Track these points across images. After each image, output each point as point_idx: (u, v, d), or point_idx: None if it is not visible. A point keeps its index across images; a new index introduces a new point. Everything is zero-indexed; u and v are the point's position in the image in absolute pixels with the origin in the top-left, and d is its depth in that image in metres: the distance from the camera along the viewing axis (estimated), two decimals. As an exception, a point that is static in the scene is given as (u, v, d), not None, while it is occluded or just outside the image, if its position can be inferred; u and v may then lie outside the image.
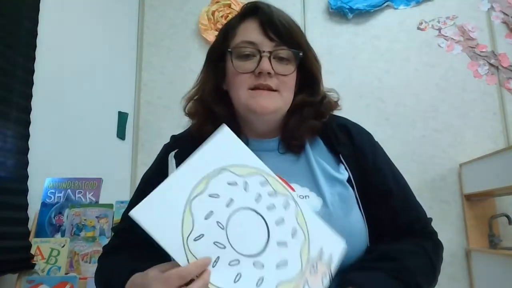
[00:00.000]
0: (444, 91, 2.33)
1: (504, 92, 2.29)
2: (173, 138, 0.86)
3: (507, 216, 2.00)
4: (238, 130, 0.80)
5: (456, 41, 2.37)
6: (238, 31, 0.78)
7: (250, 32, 0.76)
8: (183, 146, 0.79)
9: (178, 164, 0.76)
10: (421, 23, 2.42)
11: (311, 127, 0.79)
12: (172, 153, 0.78)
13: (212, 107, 0.78)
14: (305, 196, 0.71)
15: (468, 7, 2.40)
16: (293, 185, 0.73)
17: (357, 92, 2.35)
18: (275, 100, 0.74)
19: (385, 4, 2.44)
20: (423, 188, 2.20)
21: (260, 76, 0.73)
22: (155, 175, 0.78)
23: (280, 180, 0.66)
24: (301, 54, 0.76)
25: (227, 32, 0.79)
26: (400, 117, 2.33)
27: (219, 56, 0.80)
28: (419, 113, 2.32)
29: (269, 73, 0.73)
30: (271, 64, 0.73)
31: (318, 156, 0.77)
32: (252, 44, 0.74)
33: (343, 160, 0.76)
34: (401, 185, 0.78)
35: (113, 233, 0.83)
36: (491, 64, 2.32)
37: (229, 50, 0.76)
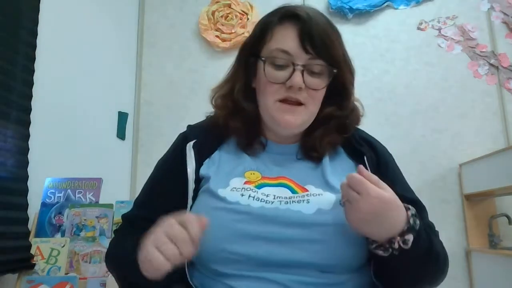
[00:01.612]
0: (444, 91, 2.33)
1: (504, 92, 2.30)
2: (190, 127, 0.85)
3: (507, 216, 2.00)
4: (259, 130, 0.81)
5: (456, 41, 2.37)
6: (274, 35, 0.76)
7: (287, 40, 0.74)
8: (201, 137, 0.80)
9: (196, 155, 0.77)
10: (421, 23, 2.42)
11: (334, 141, 0.79)
12: (191, 143, 0.78)
13: (242, 104, 0.79)
14: (319, 194, 0.71)
15: (468, 7, 2.40)
16: (307, 186, 0.74)
17: (357, 92, 2.33)
18: (301, 115, 0.75)
19: (385, 4, 2.44)
20: (423, 188, 2.20)
21: (290, 89, 0.73)
22: (174, 164, 0.78)
23: None
24: (335, 71, 0.75)
25: (264, 31, 0.78)
26: (400, 117, 2.33)
27: (252, 52, 0.79)
28: (419, 113, 2.32)
29: (299, 87, 0.72)
30: (303, 78, 0.72)
31: (337, 167, 0.78)
32: (286, 54, 0.73)
33: (367, 163, 0.77)
34: (415, 196, 0.80)
35: (122, 220, 0.82)
36: (491, 64, 2.32)
37: (263, 59, 0.75)
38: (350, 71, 0.80)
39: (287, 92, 0.73)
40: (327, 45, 0.74)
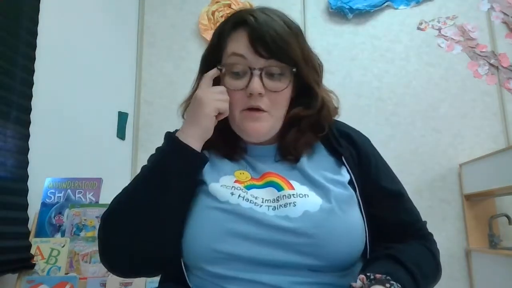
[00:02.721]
0: (444, 91, 2.33)
1: (504, 92, 2.30)
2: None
3: (507, 216, 2.00)
4: (237, 136, 0.80)
5: (456, 41, 2.37)
6: (228, 42, 0.75)
7: (240, 44, 0.73)
8: None
9: None
10: (421, 23, 2.42)
11: (309, 141, 0.78)
12: None
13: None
14: (305, 195, 0.70)
15: (468, 7, 2.40)
16: (292, 182, 0.73)
17: (357, 92, 2.35)
18: (267, 122, 0.74)
19: (385, 4, 2.44)
20: (423, 188, 2.20)
21: (251, 96, 0.72)
22: None
23: None
24: (294, 70, 0.74)
25: (219, 40, 0.77)
26: (400, 117, 2.33)
27: (213, 63, 0.78)
28: (419, 113, 2.32)
29: (259, 93, 0.71)
30: (262, 82, 0.71)
31: (316, 163, 0.77)
32: (242, 57, 0.72)
33: (345, 162, 0.76)
34: (401, 187, 0.78)
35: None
36: (491, 64, 2.32)
37: (219, 68, 0.74)
38: (314, 69, 0.78)
39: (249, 100, 0.72)
40: (281, 46, 0.72)
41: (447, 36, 2.38)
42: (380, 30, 2.44)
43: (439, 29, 2.40)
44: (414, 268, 0.64)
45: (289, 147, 0.77)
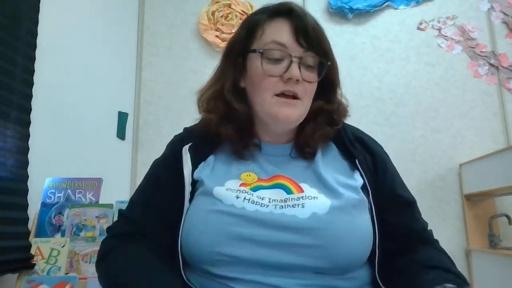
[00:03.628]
0: (444, 91, 2.33)
1: (504, 92, 2.30)
2: (186, 130, 0.84)
3: (507, 216, 2.00)
4: (252, 132, 0.80)
5: (456, 41, 2.37)
6: (267, 29, 0.76)
7: (281, 33, 0.74)
8: (197, 140, 0.79)
9: (191, 158, 0.77)
10: (421, 23, 2.42)
11: (325, 134, 0.79)
12: (187, 147, 0.78)
13: (233, 105, 0.77)
14: (314, 197, 0.70)
15: (468, 7, 2.40)
16: (302, 185, 0.73)
17: (357, 92, 2.35)
18: (298, 109, 0.74)
19: (385, 4, 2.44)
20: (423, 188, 2.20)
21: (288, 82, 0.72)
22: (171, 165, 0.77)
23: None
24: (329, 63, 0.76)
25: (252, 28, 0.77)
26: (400, 117, 2.33)
27: (240, 51, 0.78)
28: (419, 113, 2.32)
29: (297, 80, 0.72)
30: (300, 71, 0.73)
31: (329, 165, 0.77)
32: (282, 46, 0.73)
33: (359, 167, 0.76)
34: (411, 195, 0.79)
35: (119, 217, 0.78)
36: (491, 64, 2.32)
37: (260, 51, 0.74)
38: (337, 66, 0.81)
39: (285, 85, 0.73)
40: (319, 40, 0.75)
41: (447, 36, 2.38)
42: (380, 30, 2.44)
43: (439, 29, 2.40)
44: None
45: (307, 139, 0.78)
